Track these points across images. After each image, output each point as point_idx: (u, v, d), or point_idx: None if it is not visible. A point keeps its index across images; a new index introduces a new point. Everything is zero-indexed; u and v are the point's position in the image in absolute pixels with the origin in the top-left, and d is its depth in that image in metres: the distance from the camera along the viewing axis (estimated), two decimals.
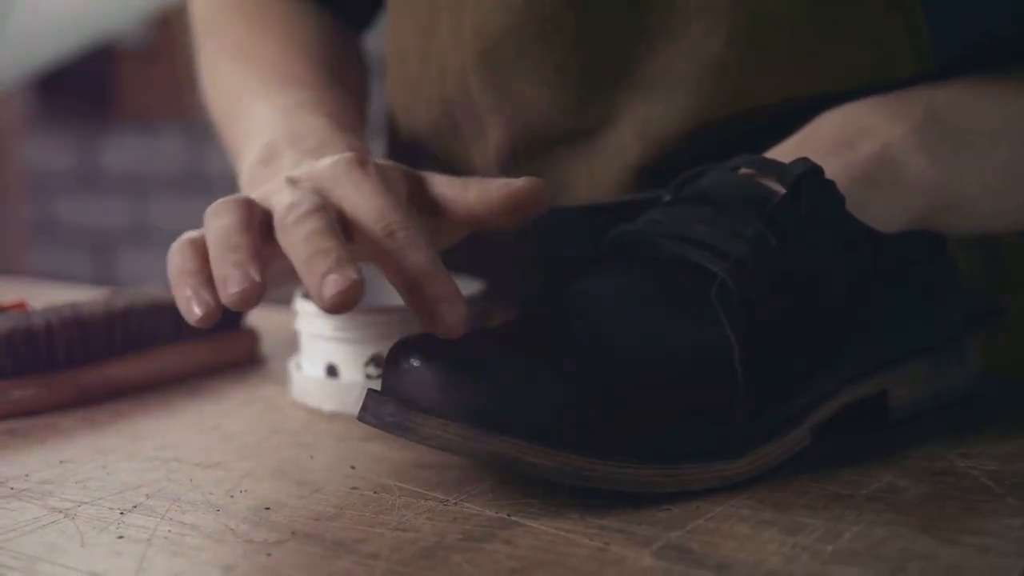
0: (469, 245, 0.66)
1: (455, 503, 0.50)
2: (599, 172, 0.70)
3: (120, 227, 3.29)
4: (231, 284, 0.49)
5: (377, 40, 0.92)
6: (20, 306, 0.74)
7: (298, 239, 0.50)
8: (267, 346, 0.79)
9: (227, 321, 0.75)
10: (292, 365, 0.68)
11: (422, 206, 0.60)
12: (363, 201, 0.54)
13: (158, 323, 0.71)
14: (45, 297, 0.80)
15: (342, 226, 0.53)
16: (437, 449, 0.49)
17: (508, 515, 0.49)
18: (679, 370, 0.52)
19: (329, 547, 0.46)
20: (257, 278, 0.49)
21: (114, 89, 3.21)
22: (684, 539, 0.46)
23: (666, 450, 0.51)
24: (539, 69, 0.69)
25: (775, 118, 0.63)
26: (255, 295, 0.49)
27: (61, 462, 0.57)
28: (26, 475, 0.55)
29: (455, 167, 0.78)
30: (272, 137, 0.66)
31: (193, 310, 0.50)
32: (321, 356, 0.65)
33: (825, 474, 0.53)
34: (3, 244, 3.44)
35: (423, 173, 0.61)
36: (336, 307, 0.48)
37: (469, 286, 0.70)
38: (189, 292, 0.51)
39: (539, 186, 0.60)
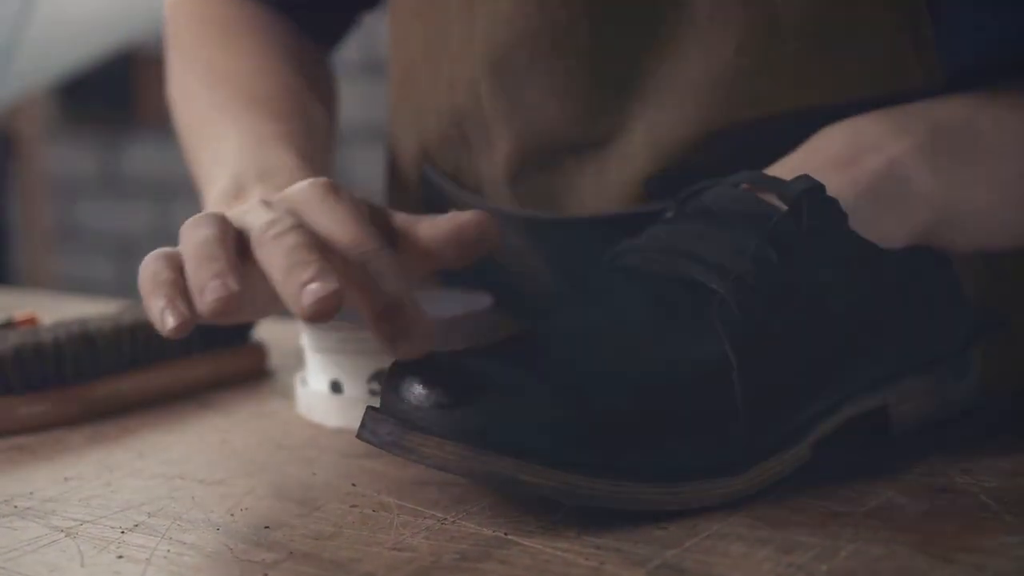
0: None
1: (453, 522, 0.50)
2: (608, 182, 0.70)
3: (143, 231, 3.31)
4: (209, 292, 0.49)
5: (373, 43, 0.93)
6: (31, 321, 0.75)
7: (278, 253, 0.50)
8: (275, 359, 0.79)
9: (235, 335, 0.76)
10: (297, 380, 0.69)
11: (385, 239, 0.59)
12: (337, 226, 0.53)
13: (166, 338, 0.72)
14: (61, 310, 0.81)
15: None
16: (434, 468, 0.49)
17: (505, 534, 0.49)
18: (678, 387, 0.52)
19: (326, 567, 0.46)
20: (235, 287, 0.49)
21: (136, 94, 3.22)
22: (679, 558, 0.46)
23: (665, 468, 0.51)
24: (550, 78, 0.69)
25: (785, 129, 0.63)
26: (233, 304, 0.49)
27: (66, 479, 0.58)
28: (31, 492, 0.56)
29: (463, 179, 0.78)
30: (240, 170, 0.66)
31: (167, 319, 0.50)
32: (326, 372, 0.66)
33: (824, 491, 0.53)
34: (27, 249, 3.46)
35: (384, 208, 0.61)
36: (314, 315, 0.48)
37: (478, 300, 0.70)
38: (163, 302, 0.50)
39: (485, 220, 0.60)
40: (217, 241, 0.51)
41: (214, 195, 0.66)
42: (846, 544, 0.47)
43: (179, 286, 0.51)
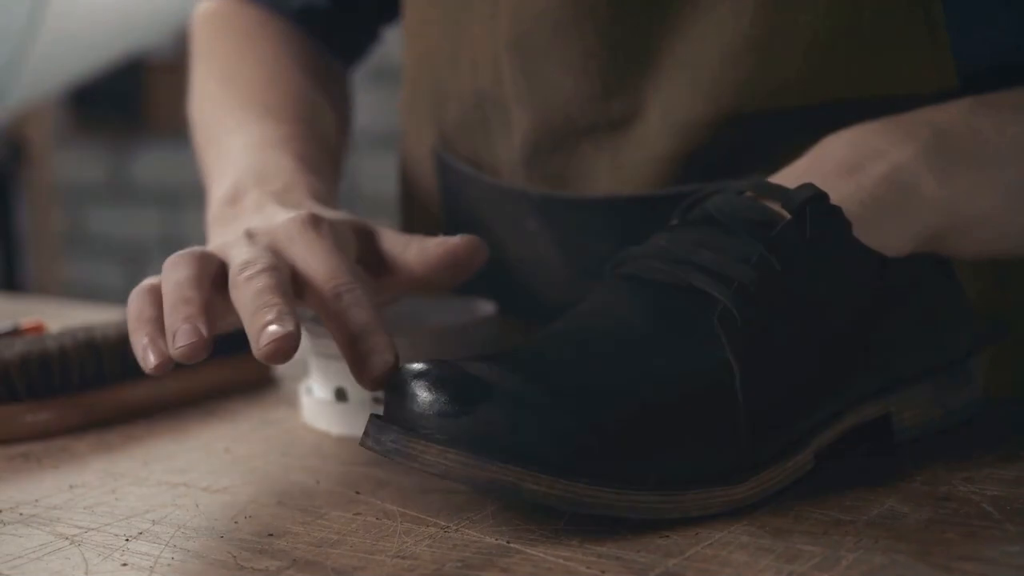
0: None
1: (456, 530, 0.51)
2: (624, 164, 0.71)
3: (151, 238, 3.31)
4: (179, 338, 0.52)
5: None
6: (37, 329, 0.75)
7: (248, 295, 0.53)
8: (280, 367, 0.79)
9: (240, 343, 0.76)
10: (302, 389, 0.69)
11: (371, 262, 0.62)
12: (314, 261, 0.57)
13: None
14: (67, 317, 0.81)
15: (294, 282, 0.57)
16: (437, 476, 0.49)
17: (507, 542, 0.49)
18: (681, 395, 0.52)
19: (329, 575, 0.46)
20: (204, 333, 0.52)
21: (145, 102, 3.23)
22: (681, 567, 0.46)
23: (667, 476, 0.51)
24: (569, 55, 0.70)
25: (798, 119, 0.64)
26: (201, 348, 0.52)
27: (71, 487, 0.58)
28: (36, 500, 0.56)
29: (481, 163, 0.79)
30: (241, 175, 0.69)
31: (149, 358, 0.53)
32: (330, 380, 0.66)
33: (826, 499, 0.53)
34: (36, 256, 3.47)
35: (376, 228, 0.64)
36: (270, 355, 0.51)
37: (482, 308, 0.71)
38: (146, 340, 0.54)
39: (476, 243, 0.62)
40: (192, 283, 0.54)
41: (214, 201, 0.70)
42: (847, 553, 0.47)
43: (160, 324, 0.54)
